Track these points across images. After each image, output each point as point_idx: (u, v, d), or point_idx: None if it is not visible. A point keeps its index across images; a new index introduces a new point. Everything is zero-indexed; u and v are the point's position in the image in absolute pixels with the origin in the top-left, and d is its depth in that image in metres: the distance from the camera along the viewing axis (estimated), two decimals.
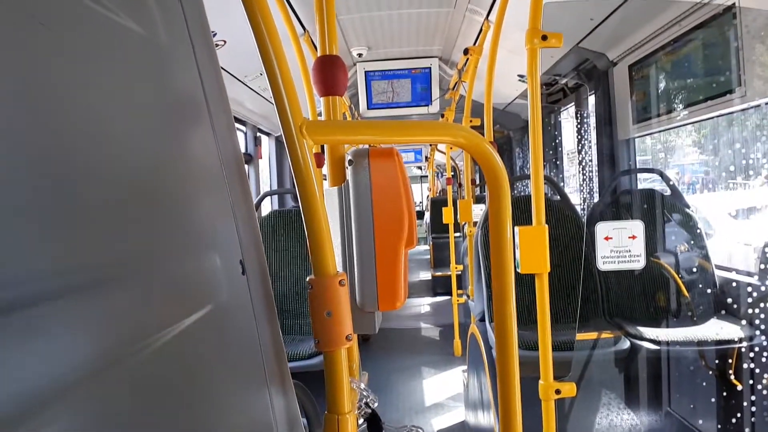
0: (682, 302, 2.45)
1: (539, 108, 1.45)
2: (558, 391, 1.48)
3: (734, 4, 1.99)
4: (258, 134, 4.02)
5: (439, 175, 12.68)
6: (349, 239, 0.79)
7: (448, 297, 5.55)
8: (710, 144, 3.33)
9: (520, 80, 3.58)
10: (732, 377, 2.17)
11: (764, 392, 2.03)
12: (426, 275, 7.99)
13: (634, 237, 1.77)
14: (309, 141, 0.68)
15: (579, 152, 3.62)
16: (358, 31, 3.35)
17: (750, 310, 2.18)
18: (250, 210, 0.69)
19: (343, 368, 0.71)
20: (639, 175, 3.15)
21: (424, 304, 6.50)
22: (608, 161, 3.10)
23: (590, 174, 3.41)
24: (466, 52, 2.95)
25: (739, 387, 2.13)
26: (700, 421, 2.30)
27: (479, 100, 3.06)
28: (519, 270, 1.41)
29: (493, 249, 0.81)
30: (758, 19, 1.93)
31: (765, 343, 2.07)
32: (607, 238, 1.78)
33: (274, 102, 0.67)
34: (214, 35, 2.23)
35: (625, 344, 2.32)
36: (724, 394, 2.23)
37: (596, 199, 3.21)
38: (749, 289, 2.21)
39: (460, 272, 4.67)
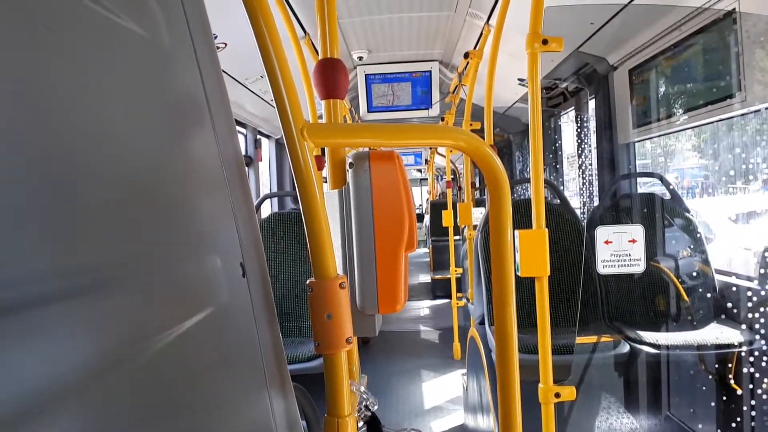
0: (682, 306, 2.45)
1: (539, 112, 1.46)
2: (557, 395, 1.48)
3: (734, 9, 1.99)
4: (258, 137, 4.02)
5: (439, 178, 12.68)
6: (349, 242, 0.79)
7: (447, 300, 5.54)
8: (710, 148, 3.34)
9: (520, 84, 3.58)
10: (732, 382, 2.16)
11: (764, 397, 2.03)
12: (425, 278, 7.99)
13: (634, 241, 1.77)
14: (310, 144, 0.68)
15: (579, 156, 3.63)
16: (359, 34, 3.36)
17: (750, 315, 2.18)
18: (251, 212, 0.69)
19: (343, 371, 0.71)
20: (639, 179, 3.15)
21: (423, 307, 6.50)
22: (608, 165, 3.10)
23: (590, 178, 3.42)
24: (466, 55, 2.96)
25: (739, 391, 2.13)
26: (700, 426, 2.30)
27: (479, 103, 3.06)
28: (519, 273, 1.41)
29: (493, 252, 0.81)
30: (758, 24, 1.94)
31: (765, 348, 2.07)
32: (607, 242, 1.78)
33: (275, 105, 0.67)
34: (215, 38, 2.24)
35: (625, 348, 2.32)
36: (724, 398, 2.22)
37: (596, 202, 3.21)
38: (749, 293, 2.21)
39: (459, 275, 4.66)
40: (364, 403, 0.88)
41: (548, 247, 1.44)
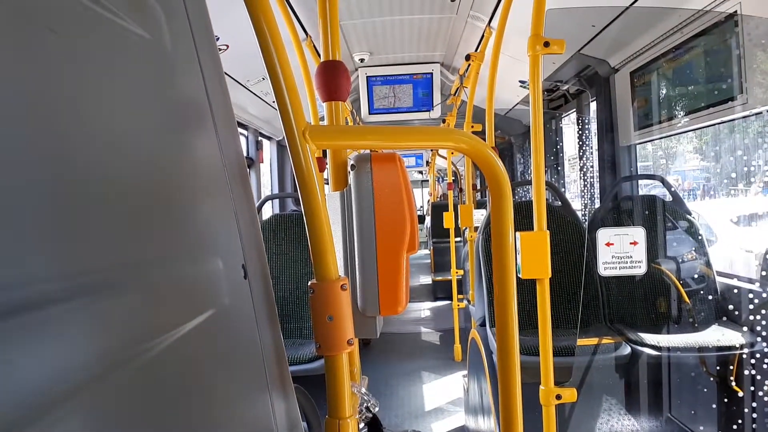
0: (683, 308, 2.44)
1: (541, 114, 1.46)
2: (559, 397, 1.47)
3: (736, 11, 1.99)
4: (260, 138, 4.03)
5: (440, 179, 12.67)
6: (350, 243, 0.79)
7: (448, 302, 5.54)
8: (711, 151, 3.34)
9: (521, 86, 3.59)
10: (733, 384, 2.16)
11: (765, 399, 2.02)
12: (426, 279, 7.98)
13: (635, 243, 1.77)
14: (312, 146, 0.68)
15: (580, 158, 3.62)
16: (361, 36, 3.36)
17: (751, 317, 2.18)
18: (253, 214, 0.69)
19: (344, 372, 0.71)
20: (640, 182, 3.15)
21: (424, 308, 6.49)
22: (609, 167, 3.10)
23: (591, 180, 3.41)
24: (467, 57, 2.96)
25: (740, 393, 2.13)
26: (701, 428, 2.29)
27: (481, 105, 3.06)
28: (520, 275, 1.41)
29: (494, 254, 0.81)
30: (760, 26, 1.94)
31: (766, 350, 2.07)
32: (608, 244, 1.78)
33: (277, 106, 0.67)
34: (217, 39, 2.24)
35: (626, 350, 2.32)
36: (725, 400, 2.22)
37: (597, 204, 3.21)
38: (750, 295, 2.21)
39: (460, 277, 4.66)
40: (365, 404, 0.88)
41: (549, 249, 1.44)
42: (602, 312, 2.64)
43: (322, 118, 0.97)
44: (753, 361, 2.09)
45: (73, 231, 0.35)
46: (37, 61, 0.34)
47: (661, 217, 2.61)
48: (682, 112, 2.49)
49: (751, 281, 2.27)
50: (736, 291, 2.33)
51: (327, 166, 0.89)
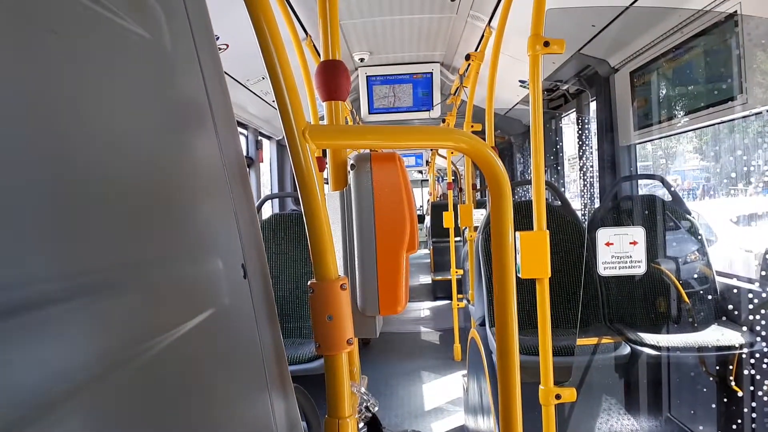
0: (683, 308, 2.44)
1: (540, 113, 1.46)
2: (558, 396, 1.48)
3: (736, 11, 1.99)
4: (259, 138, 4.03)
5: (440, 179, 12.68)
6: (350, 243, 0.79)
7: (448, 301, 5.54)
8: (711, 151, 3.34)
9: (521, 86, 3.59)
10: (732, 383, 2.16)
11: (765, 399, 2.02)
12: (426, 279, 7.98)
13: (635, 243, 1.77)
14: (312, 145, 0.68)
15: (580, 158, 3.62)
16: (361, 35, 3.36)
17: (751, 317, 2.18)
18: (252, 214, 0.69)
19: (343, 372, 0.71)
20: (640, 181, 3.15)
21: (424, 308, 6.49)
22: (609, 167, 3.10)
23: (591, 179, 3.41)
24: (467, 57, 2.96)
25: (740, 393, 2.13)
26: (701, 427, 2.29)
27: (480, 105, 3.06)
28: (520, 275, 1.41)
29: (494, 254, 0.81)
30: (760, 26, 1.94)
31: (766, 350, 2.07)
32: (608, 244, 1.78)
33: (277, 106, 0.67)
34: (217, 39, 2.24)
35: (626, 350, 2.32)
36: (725, 400, 2.22)
37: (597, 204, 3.21)
38: (750, 295, 2.21)
39: (460, 276, 4.66)
40: (364, 404, 0.88)
41: (549, 249, 1.44)
42: (602, 312, 2.64)
43: (322, 118, 0.97)
44: (752, 360, 2.09)
45: (73, 231, 0.35)
46: (38, 61, 0.34)
47: (661, 216, 2.62)
48: (681, 112, 2.49)
49: (750, 281, 2.27)
50: (735, 291, 2.33)
51: (327, 166, 0.89)
